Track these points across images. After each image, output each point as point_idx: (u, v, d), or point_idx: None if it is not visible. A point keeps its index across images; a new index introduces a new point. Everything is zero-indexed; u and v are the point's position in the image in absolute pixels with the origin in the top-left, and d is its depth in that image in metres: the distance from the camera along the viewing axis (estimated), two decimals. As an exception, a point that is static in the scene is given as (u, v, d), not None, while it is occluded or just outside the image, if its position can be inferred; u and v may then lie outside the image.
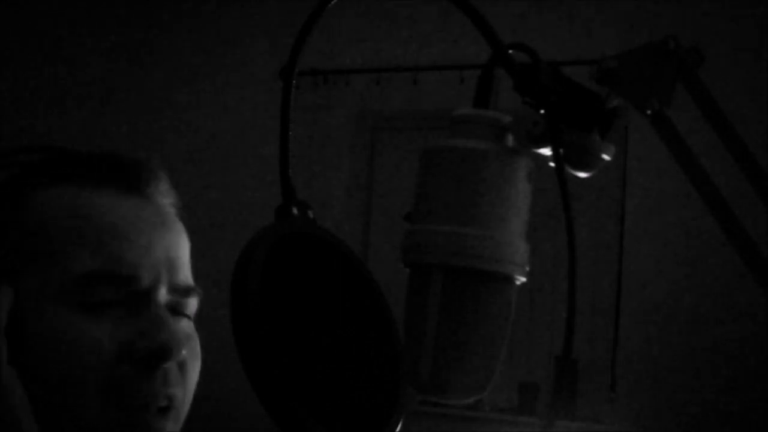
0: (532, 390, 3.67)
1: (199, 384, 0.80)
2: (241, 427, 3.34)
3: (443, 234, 0.68)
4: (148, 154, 0.83)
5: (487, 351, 0.69)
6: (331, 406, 0.60)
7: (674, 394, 3.42)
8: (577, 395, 3.59)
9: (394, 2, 4.00)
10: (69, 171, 0.79)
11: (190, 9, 4.37)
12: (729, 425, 3.32)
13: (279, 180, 0.67)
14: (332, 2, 0.69)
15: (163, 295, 0.76)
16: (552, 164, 0.69)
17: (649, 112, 0.70)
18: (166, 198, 0.82)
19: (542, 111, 0.69)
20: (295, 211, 0.67)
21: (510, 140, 0.71)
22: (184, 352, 0.75)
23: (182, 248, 0.81)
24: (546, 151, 0.70)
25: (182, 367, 0.76)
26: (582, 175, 0.72)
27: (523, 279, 0.70)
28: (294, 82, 0.68)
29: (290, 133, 0.68)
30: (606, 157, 0.72)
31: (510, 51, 0.70)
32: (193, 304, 0.80)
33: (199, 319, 0.83)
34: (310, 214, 0.68)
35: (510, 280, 0.69)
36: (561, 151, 0.69)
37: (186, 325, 0.79)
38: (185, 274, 0.80)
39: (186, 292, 0.79)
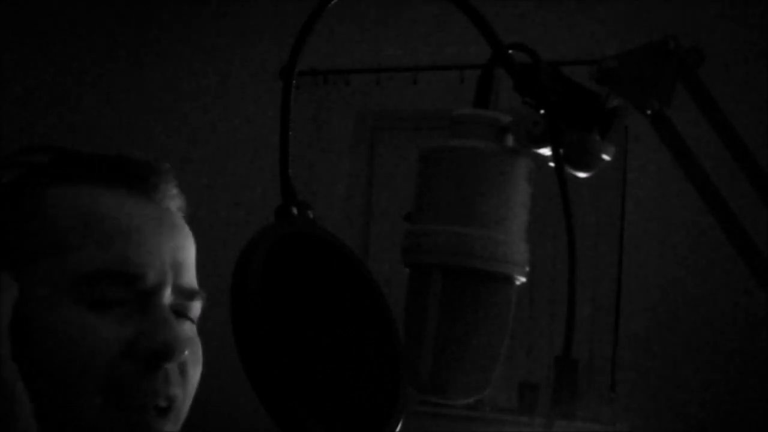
0: (532, 390, 3.67)
1: (200, 384, 0.81)
2: (241, 427, 3.34)
3: (443, 234, 0.68)
4: (158, 157, 0.84)
5: (487, 351, 0.69)
6: (331, 406, 0.60)
7: (674, 394, 3.42)
8: (577, 395, 3.59)
9: (394, 2, 4.00)
10: (80, 171, 0.80)
11: (190, 9, 4.37)
12: (729, 425, 3.32)
13: (279, 180, 0.67)
14: (332, 2, 0.69)
15: (167, 296, 0.77)
16: (552, 164, 0.69)
17: (649, 112, 0.70)
18: (174, 202, 0.83)
19: (542, 111, 0.69)
20: (295, 211, 0.67)
21: (510, 140, 0.71)
22: (186, 353, 0.75)
23: (189, 252, 0.81)
24: (546, 151, 0.70)
25: (183, 368, 0.77)
26: (582, 175, 0.72)
27: (523, 279, 0.70)
28: (294, 82, 0.68)
29: (290, 133, 0.68)
30: (606, 157, 0.72)
31: (510, 51, 0.70)
32: (196, 307, 0.81)
33: (199, 319, 0.83)
34: (310, 214, 0.68)
35: (510, 280, 0.69)
36: (561, 151, 0.69)
37: (189, 328, 0.80)
38: (190, 278, 0.81)
39: (190, 295, 0.80)
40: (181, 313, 0.79)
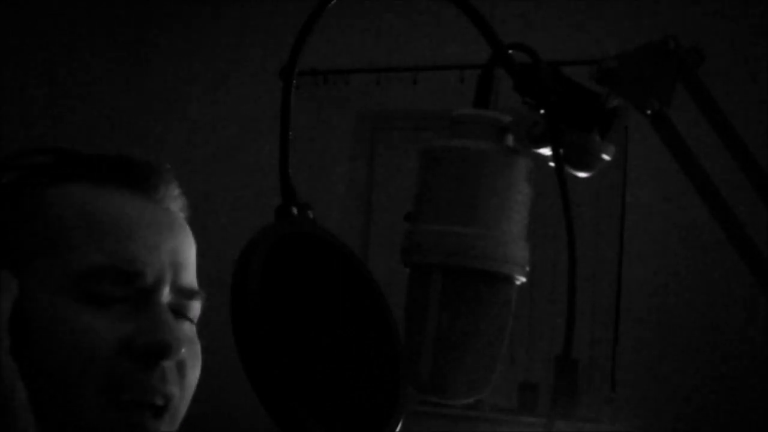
0: (532, 390, 3.67)
1: (199, 383, 0.81)
2: (241, 427, 3.34)
3: (443, 234, 0.68)
4: (158, 158, 0.84)
5: (487, 351, 0.69)
6: (331, 406, 0.60)
7: (674, 394, 3.42)
8: (577, 395, 3.59)
9: (394, 2, 3.99)
10: (81, 171, 0.80)
11: (190, 9, 4.37)
12: (729, 425, 3.32)
13: (279, 180, 0.67)
14: (332, 2, 0.69)
15: (166, 295, 0.77)
16: (552, 164, 0.69)
17: (649, 112, 0.70)
18: (175, 202, 0.84)
19: (542, 111, 0.69)
20: (295, 211, 0.67)
21: (510, 140, 0.71)
22: (183, 351, 0.75)
23: (188, 252, 0.82)
24: (546, 151, 0.70)
25: (181, 367, 0.77)
26: (582, 175, 0.72)
27: (523, 279, 0.70)
28: (294, 82, 0.68)
29: (290, 133, 0.68)
30: (606, 157, 0.72)
31: (510, 51, 0.70)
32: (196, 307, 0.81)
33: (199, 319, 0.83)
34: (310, 214, 0.68)
35: (510, 280, 0.69)
36: (561, 151, 0.69)
37: (188, 328, 0.80)
38: (190, 278, 0.81)
39: (190, 294, 0.80)
40: (180, 312, 0.79)
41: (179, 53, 4.36)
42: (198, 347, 0.81)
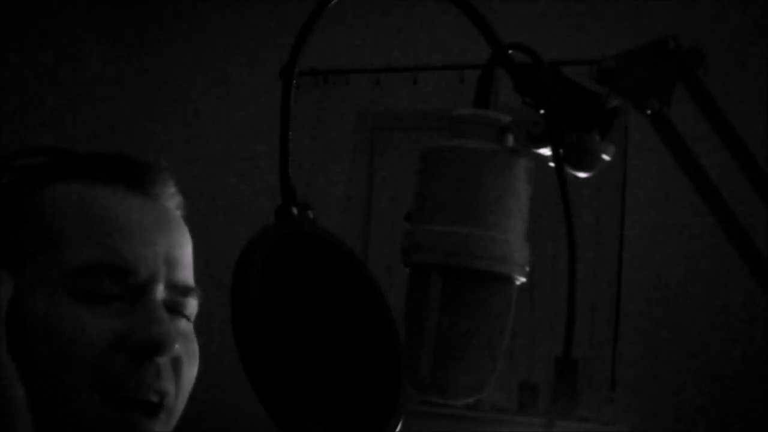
0: (532, 390, 3.67)
1: (199, 384, 0.80)
2: (241, 427, 3.34)
3: (443, 234, 0.68)
4: (155, 157, 0.84)
5: (487, 351, 0.69)
6: (331, 406, 0.60)
7: (674, 394, 3.42)
8: (577, 395, 3.59)
9: (394, 2, 3.99)
10: (78, 169, 0.80)
11: (190, 9, 4.37)
12: (729, 425, 3.32)
13: (279, 180, 0.67)
14: (332, 2, 0.69)
15: (160, 291, 0.77)
16: (552, 164, 0.69)
17: (649, 112, 0.70)
18: (171, 200, 0.84)
19: (542, 111, 0.69)
20: (295, 211, 0.67)
21: (510, 140, 0.71)
22: (177, 347, 0.75)
23: (184, 249, 0.82)
24: (546, 151, 0.70)
25: (176, 364, 0.77)
26: (582, 175, 0.72)
27: (523, 279, 0.70)
28: (294, 82, 0.68)
29: (290, 133, 0.68)
30: (606, 157, 0.72)
31: (510, 51, 0.70)
32: (192, 305, 0.81)
33: (199, 319, 0.83)
34: (310, 214, 0.68)
35: (510, 280, 0.69)
36: (561, 151, 0.69)
37: (184, 325, 0.80)
38: (185, 274, 0.81)
39: (185, 291, 0.80)
40: (175, 309, 0.79)
41: (179, 53, 4.36)
42: (195, 345, 0.80)
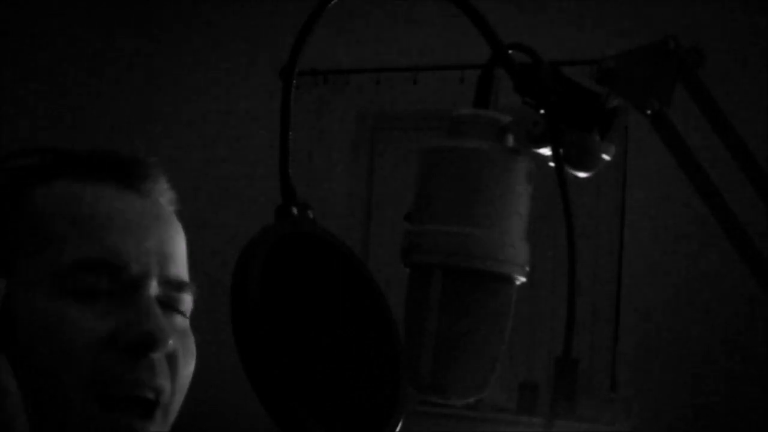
0: (532, 390, 3.67)
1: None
2: (240, 427, 3.34)
3: (443, 234, 0.68)
4: (155, 156, 0.84)
5: (487, 351, 0.69)
6: (331, 406, 0.60)
7: (674, 394, 3.42)
8: (577, 395, 3.59)
9: (394, 2, 3.99)
10: (67, 168, 0.80)
11: (190, 9, 4.37)
12: (729, 425, 3.32)
13: (279, 180, 0.67)
14: (332, 2, 0.69)
15: (153, 287, 0.76)
16: (552, 164, 0.69)
17: (649, 112, 0.70)
18: (163, 196, 0.83)
19: (542, 111, 0.69)
20: (295, 211, 0.67)
21: (510, 140, 0.71)
22: (171, 342, 0.74)
23: (177, 244, 0.81)
24: (546, 151, 0.70)
25: (172, 360, 0.76)
26: (582, 175, 0.72)
27: (523, 279, 0.70)
28: (294, 82, 0.68)
29: (290, 133, 0.68)
30: (606, 157, 0.72)
31: (510, 51, 0.70)
32: (187, 300, 0.81)
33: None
34: (310, 214, 0.68)
35: (510, 280, 0.69)
36: (561, 151, 0.69)
37: (179, 321, 0.79)
38: (178, 270, 0.80)
39: (179, 286, 0.79)
40: (169, 305, 0.78)
41: (179, 53, 4.36)
42: (191, 341, 0.80)
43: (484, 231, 0.67)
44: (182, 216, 0.85)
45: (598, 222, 3.71)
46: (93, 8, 4.44)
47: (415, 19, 3.95)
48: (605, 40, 3.53)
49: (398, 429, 0.63)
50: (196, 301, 0.82)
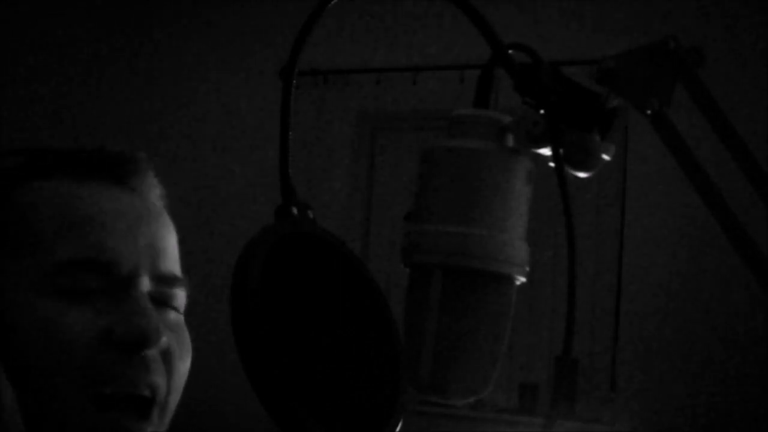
0: (532, 390, 3.67)
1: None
2: (240, 427, 3.34)
3: (443, 234, 0.68)
4: (147, 154, 0.83)
5: (487, 351, 0.69)
6: (331, 406, 0.59)
7: (674, 394, 3.42)
8: (577, 395, 3.59)
9: (394, 2, 4.00)
10: (52, 166, 0.79)
11: (190, 9, 4.37)
12: (729, 425, 3.32)
13: (279, 180, 0.67)
14: (332, 2, 0.69)
15: (145, 283, 0.76)
16: (552, 164, 0.69)
17: (649, 112, 0.70)
18: (151, 190, 0.82)
19: (542, 111, 0.69)
20: (295, 211, 0.67)
21: (510, 140, 0.71)
22: (164, 339, 0.74)
23: (167, 239, 0.80)
24: (546, 151, 0.70)
25: (167, 357, 0.75)
26: (582, 175, 0.72)
27: (523, 279, 0.70)
28: (294, 82, 0.68)
29: (290, 133, 0.68)
30: (606, 157, 0.72)
31: (510, 51, 0.70)
32: (180, 296, 0.80)
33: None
34: (310, 214, 0.68)
35: (510, 280, 0.69)
36: (561, 151, 0.69)
37: (173, 317, 0.79)
38: (170, 264, 0.79)
39: (171, 282, 0.78)
40: (162, 301, 0.77)
41: (179, 53, 4.36)
42: (186, 337, 0.79)
43: (484, 231, 0.67)
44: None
45: (598, 222, 3.71)
46: (93, 8, 4.44)
47: (415, 19, 3.95)
48: (605, 40, 3.53)
49: (398, 429, 0.63)
50: (191, 297, 0.81)
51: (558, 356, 3.66)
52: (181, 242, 0.82)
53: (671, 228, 3.49)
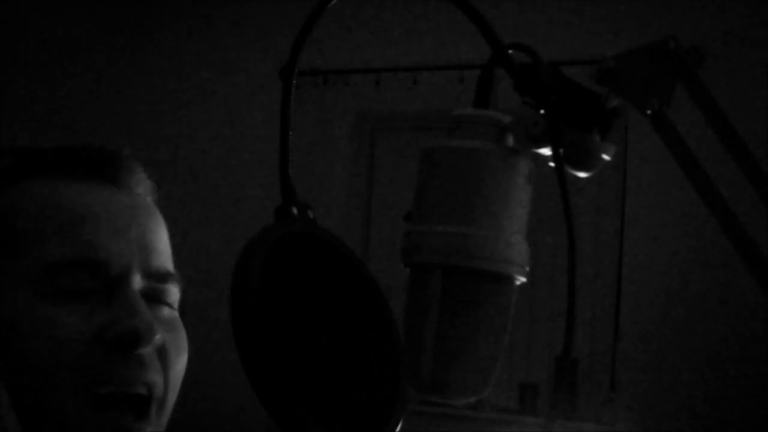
0: (532, 390, 3.67)
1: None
2: (240, 426, 3.34)
3: (443, 234, 0.68)
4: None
5: (487, 351, 0.69)
6: (331, 406, 0.60)
7: (674, 393, 3.42)
8: (577, 395, 3.59)
9: (394, 2, 4.00)
10: (40, 167, 0.79)
11: (190, 8, 4.37)
12: (729, 425, 3.32)
13: (279, 180, 0.67)
14: (332, 2, 0.69)
15: (137, 281, 0.75)
16: (552, 164, 0.69)
17: (649, 112, 0.70)
18: (140, 186, 0.82)
19: (542, 111, 0.69)
20: (295, 211, 0.67)
21: (510, 140, 0.71)
22: (158, 336, 0.73)
23: (159, 235, 0.80)
24: (546, 151, 0.71)
25: (162, 354, 0.75)
26: (582, 175, 0.72)
27: (523, 279, 0.70)
28: (294, 82, 0.68)
29: (290, 133, 0.68)
30: (606, 157, 0.72)
31: (510, 51, 0.70)
32: (173, 292, 0.79)
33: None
34: (310, 214, 0.68)
35: (510, 280, 0.69)
36: (561, 151, 0.69)
37: (167, 313, 0.78)
38: (162, 260, 0.79)
39: (163, 278, 0.78)
40: (155, 298, 0.77)
41: (179, 53, 4.36)
42: (181, 333, 0.78)
43: (484, 231, 0.67)
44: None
45: (598, 222, 3.71)
46: (93, 8, 4.44)
47: (415, 19, 3.95)
48: (605, 40, 3.53)
49: (398, 429, 0.63)
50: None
51: (558, 356, 3.66)
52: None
53: (671, 228, 3.49)
